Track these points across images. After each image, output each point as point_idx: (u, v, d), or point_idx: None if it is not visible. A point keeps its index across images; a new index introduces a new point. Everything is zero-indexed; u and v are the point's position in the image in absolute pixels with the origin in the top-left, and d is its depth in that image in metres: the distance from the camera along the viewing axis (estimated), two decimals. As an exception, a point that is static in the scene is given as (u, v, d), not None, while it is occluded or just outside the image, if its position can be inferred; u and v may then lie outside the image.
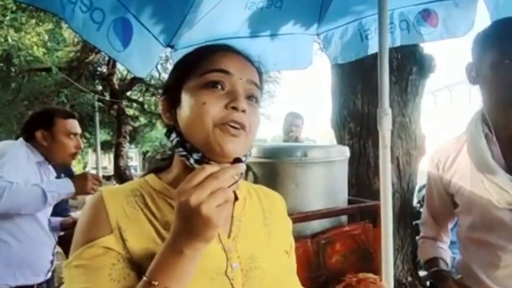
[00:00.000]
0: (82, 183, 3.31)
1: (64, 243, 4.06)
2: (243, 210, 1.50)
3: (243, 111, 1.32)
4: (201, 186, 1.06)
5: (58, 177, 5.80)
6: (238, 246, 1.39)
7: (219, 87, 1.34)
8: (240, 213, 1.48)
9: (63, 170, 6.71)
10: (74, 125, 3.51)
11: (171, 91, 1.42)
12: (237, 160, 1.27)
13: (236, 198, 1.42)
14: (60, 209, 4.09)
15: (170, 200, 1.35)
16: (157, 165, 1.52)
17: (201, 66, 1.38)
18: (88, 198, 1.35)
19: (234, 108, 1.31)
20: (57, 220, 3.67)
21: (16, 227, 3.18)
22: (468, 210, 2.48)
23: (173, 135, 1.39)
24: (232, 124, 1.30)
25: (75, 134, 3.50)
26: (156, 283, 1.09)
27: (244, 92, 1.36)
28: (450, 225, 2.95)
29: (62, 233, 3.84)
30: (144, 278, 1.12)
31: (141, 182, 1.42)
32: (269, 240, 1.51)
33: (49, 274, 3.48)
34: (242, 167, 1.20)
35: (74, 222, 3.63)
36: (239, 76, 1.37)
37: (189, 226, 1.07)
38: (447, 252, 2.94)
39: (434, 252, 2.90)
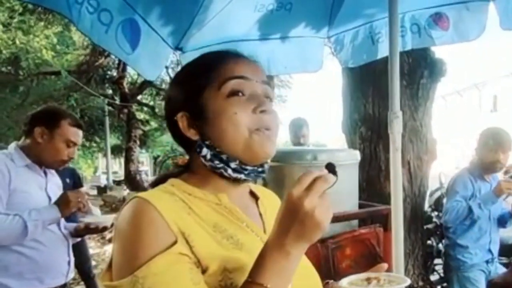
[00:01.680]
0: (65, 205, 3.27)
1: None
2: (262, 207, 1.52)
3: (271, 112, 1.35)
4: (312, 190, 1.07)
5: (63, 181, 5.81)
6: None
7: (240, 94, 1.34)
8: (263, 210, 1.51)
9: (69, 174, 6.71)
10: (77, 134, 3.42)
11: (190, 106, 1.39)
12: (330, 166, 1.23)
13: (256, 197, 1.50)
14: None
15: (208, 202, 1.35)
16: (174, 171, 1.50)
17: (216, 76, 1.37)
18: (130, 210, 1.22)
19: (263, 111, 1.33)
20: (72, 225, 3.63)
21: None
22: None
23: (205, 150, 1.36)
24: (266, 128, 1.32)
25: (75, 144, 3.43)
26: (269, 285, 1.10)
27: (262, 93, 1.38)
28: None
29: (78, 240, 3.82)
30: (249, 279, 1.12)
31: (174, 188, 1.36)
32: None
33: (71, 275, 3.45)
34: (333, 177, 1.16)
35: (86, 227, 3.60)
36: (255, 79, 1.38)
37: (301, 228, 1.08)
38: None
39: None
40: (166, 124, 1.47)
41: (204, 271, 1.17)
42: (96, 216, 3.57)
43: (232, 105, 1.31)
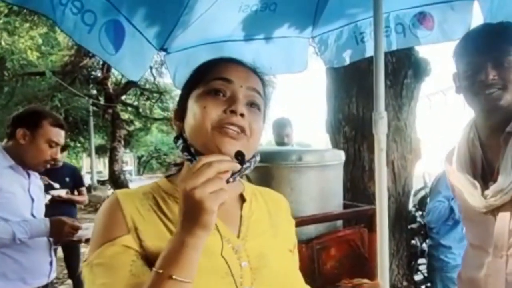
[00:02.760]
0: (58, 230, 3.26)
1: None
2: (250, 211, 1.53)
3: (242, 115, 1.35)
4: (197, 173, 1.12)
5: (63, 181, 5.79)
6: (247, 245, 1.42)
7: (221, 94, 1.39)
8: (248, 214, 1.52)
9: (69, 173, 6.70)
10: (59, 134, 3.40)
11: (181, 103, 1.49)
12: (239, 154, 1.30)
13: (243, 200, 1.51)
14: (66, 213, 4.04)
15: None
16: (169, 171, 1.58)
17: (206, 76, 1.44)
18: (104, 203, 1.42)
19: (232, 111, 1.35)
20: (43, 209, 3.60)
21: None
22: (459, 211, 2.59)
23: (180, 141, 1.45)
24: (230, 127, 1.34)
25: (57, 144, 3.41)
26: (161, 271, 1.13)
27: (244, 98, 1.40)
28: None
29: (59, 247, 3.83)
30: (153, 269, 1.16)
31: (153, 186, 1.48)
32: (275, 239, 1.55)
33: (53, 275, 3.44)
34: (235, 165, 1.24)
35: (71, 240, 3.61)
36: (240, 84, 1.41)
37: (187, 212, 1.13)
38: None
39: None
40: None
41: (153, 265, 1.20)
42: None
43: (207, 100, 1.37)
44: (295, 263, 1.65)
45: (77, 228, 3.34)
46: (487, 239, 2.26)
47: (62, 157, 6.76)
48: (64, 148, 6.65)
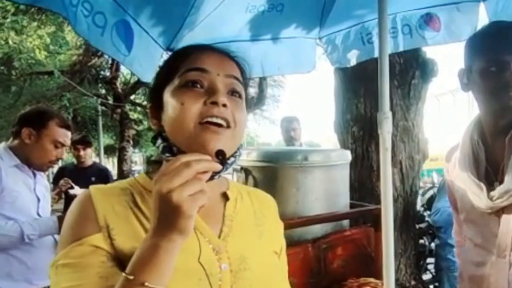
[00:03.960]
0: None
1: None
2: (234, 210, 1.47)
3: (224, 105, 1.30)
4: (173, 174, 1.04)
5: (88, 180, 5.78)
6: (228, 247, 1.37)
7: (198, 86, 1.33)
8: (232, 213, 1.46)
9: (97, 173, 6.69)
10: (65, 135, 3.41)
11: (155, 97, 1.41)
12: (220, 153, 1.24)
13: (227, 198, 1.45)
14: None
15: None
16: (150, 166, 1.51)
17: (179, 68, 1.37)
18: (75, 199, 1.31)
19: (213, 103, 1.29)
20: (53, 217, 3.63)
21: None
22: (461, 210, 2.52)
23: (159, 141, 1.38)
24: (214, 120, 1.28)
25: (62, 145, 3.42)
26: (132, 277, 1.06)
27: (225, 87, 1.35)
28: None
29: None
30: (123, 274, 1.08)
31: (131, 181, 1.41)
32: (259, 240, 1.49)
33: None
34: (216, 165, 1.16)
35: None
36: (217, 72, 1.35)
37: (162, 216, 1.05)
38: None
39: None
40: None
41: (125, 266, 1.13)
42: None
43: (184, 94, 1.30)
44: (281, 266, 1.59)
45: None
46: (490, 238, 2.26)
47: (89, 157, 6.78)
48: (87, 146, 6.70)
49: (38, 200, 3.36)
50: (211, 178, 1.27)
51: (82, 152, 6.50)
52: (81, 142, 6.54)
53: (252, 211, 1.56)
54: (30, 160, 3.30)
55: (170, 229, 1.06)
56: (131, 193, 1.34)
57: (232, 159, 1.37)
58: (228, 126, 1.30)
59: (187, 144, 1.28)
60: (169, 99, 1.34)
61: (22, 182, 3.27)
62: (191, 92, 1.31)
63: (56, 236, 3.42)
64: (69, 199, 5.50)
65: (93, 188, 1.33)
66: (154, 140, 1.41)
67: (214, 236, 1.36)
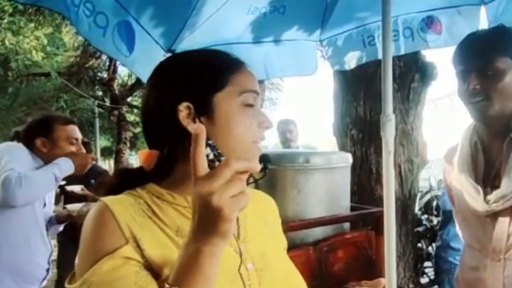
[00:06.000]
0: (81, 165, 3.35)
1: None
2: (243, 212, 1.44)
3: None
4: (213, 176, 0.98)
5: (88, 182, 5.85)
6: (249, 247, 1.37)
7: (254, 107, 1.37)
8: (243, 215, 1.47)
9: (97, 176, 6.68)
10: (73, 130, 3.46)
11: (198, 100, 1.34)
12: (264, 157, 1.28)
13: None
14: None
15: (176, 206, 1.32)
16: (156, 173, 1.40)
17: (234, 82, 1.36)
18: (90, 213, 1.25)
19: (267, 127, 1.38)
20: (51, 214, 3.64)
21: (11, 232, 3.14)
22: (457, 212, 2.56)
23: (208, 149, 1.27)
24: (260, 141, 1.37)
25: (76, 139, 3.46)
26: (179, 286, 1.02)
27: (260, 106, 1.42)
28: None
29: (61, 228, 3.85)
30: (166, 285, 1.05)
31: (140, 191, 1.36)
32: (272, 239, 1.54)
33: (44, 282, 3.44)
34: (255, 164, 1.11)
35: (69, 215, 3.65)
36: (260, 95, 1.42)
37: (203, 220, 1.01)
38: None
39: None
40: (150, 107, 1.40)
41: (159, 275, 1.14)
42: (80, 204, 3.62)
43: (249, 116, 1.34)
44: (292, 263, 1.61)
45: (94, 158, 3.53)
46: (485, 241, 2.27)
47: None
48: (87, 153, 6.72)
49: (44, 205, 3.40)
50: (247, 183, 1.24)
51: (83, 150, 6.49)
52: None
53: (258, 211, 1.57)
54: None
55: (211, 234, 1.01)
56: (145, 202, 1.31)
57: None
58: None
59: (237, 156, 1.19)
60: (232, 115, 1.32)
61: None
62: (252, 113, 1.35)
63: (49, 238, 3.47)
64: (67, 196, 5.54)
65: (107, 200, 1.26)
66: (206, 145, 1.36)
67: (233, 238, 1.35)
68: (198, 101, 1.33)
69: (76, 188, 6.06)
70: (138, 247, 1.18)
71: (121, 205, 1.26)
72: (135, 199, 1.31)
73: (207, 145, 1.26)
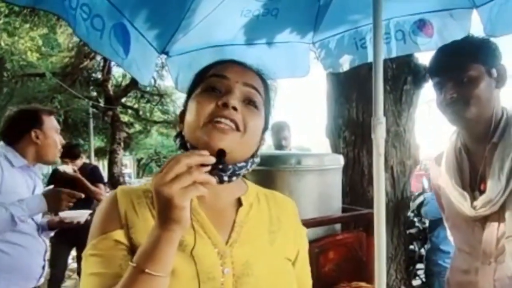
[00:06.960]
0: (56, 203, 3.28)
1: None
2: (246, 216, 1.50)
3: (234, 108, 1.37)
4: (165, 170, 1.12)
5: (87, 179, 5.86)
6: (234, 252, 1.40)
7: (217, 91, 1.41)
8: (243, 219, 1.49)
9: (89, 170, 6.72)
10: (55, 121, 3.56)
11: (184, 106, 1.51)
12: (221, 152, 1.30)
13: (240, 204, 1.49)
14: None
15: None
16: None
17: (204, 77, 1.47)
18: (108, 194, 1.46)
19: (224, 104, 1.36)
20: (43, 220, 3.64)
21: (7, 236, 3.14)
22: (447, 217, 2.60)
23: (178, 139, 1.48)
24: (222, 120, 1.35)
25: (57, 130, 3.53)
26: (135, 265, 1.17)
27: (241, 94, 1.42)
28: None
29: (52, 234, 3.85)
30: (130, 263, 1.19)
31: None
32: (270, 247, 1.51)
33: (41, 280, 3.46)
34: (208, 157, 1.20)
35: (61, 221, 3.66)
36: (236, 80, 1.43)
37: (160, 209, 1.15)
38: None
39: None
40: None
41: None
42: (72, 211, 3.62)
43: (202, 96, 1.40)
44: (293, 274, 1.56)
45: (73, 196, 3.35)
46: (475, 245, 2.30)
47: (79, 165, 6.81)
48: (76, 158, 6.79)
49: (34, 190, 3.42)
50: (221, 182, 1.37)
51: (70, 165, 6.53)
52: (69, 155, 6.57)
53: (267, 217, 1.58)
54: (45, 156, 3.39)
55: (167, 220, 1.14)
56: (152, 196, 1.33)
57: (242, 163, 1.43)
58: (237, 129, 1.37)
59: (196, 139, 1.36)
60: (190, 102, 1.45)
61: (23, 184, 3.32)
62: (208, 95, 1.40)
63: (43, 236, 3.48)
64: (57, 178, 5.73)
65: (120, 188, 1.48)
66: (175, 138, 1.50)
67: (221, 241, 1.41)
68: (185, 105, 1.52)
69: (68, 169, 6.11)
70: (129, 233, 1.36)
71: (128, 194, 1.45)
72: (144, 192, 1.47)
73: (179, 136, 1.48)
